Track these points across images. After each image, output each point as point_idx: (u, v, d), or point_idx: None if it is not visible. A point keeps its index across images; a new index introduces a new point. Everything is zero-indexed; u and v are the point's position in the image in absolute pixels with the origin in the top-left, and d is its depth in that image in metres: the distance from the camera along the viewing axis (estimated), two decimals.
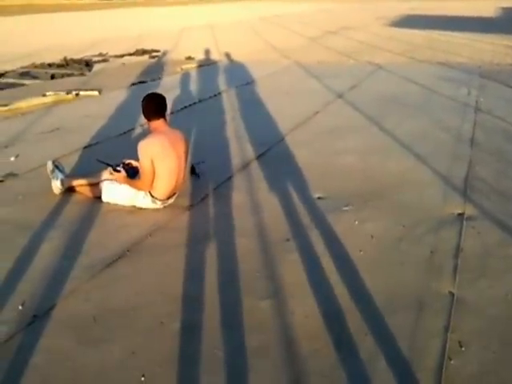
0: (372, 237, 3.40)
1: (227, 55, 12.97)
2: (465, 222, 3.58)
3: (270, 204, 3.94)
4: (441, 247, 3.26)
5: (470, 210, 3.78)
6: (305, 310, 2.62)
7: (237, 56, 12.76)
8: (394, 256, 3.16)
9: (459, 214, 3.72)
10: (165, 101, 3.86)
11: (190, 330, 2.49)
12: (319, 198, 4.04)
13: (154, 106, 3.79)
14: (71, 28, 24.65)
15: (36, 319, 2.58)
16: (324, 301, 2.70)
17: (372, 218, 3.69)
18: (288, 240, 3.35)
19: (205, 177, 4.50)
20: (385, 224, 3.59)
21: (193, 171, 4.45)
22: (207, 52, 13.56)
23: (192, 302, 2.72)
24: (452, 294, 2.75)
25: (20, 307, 2.66)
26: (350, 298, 2.71)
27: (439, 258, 3.13)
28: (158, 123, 3.80)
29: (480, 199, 3.98)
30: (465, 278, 2.90)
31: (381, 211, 3.80)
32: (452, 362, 2.25)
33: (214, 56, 12.91)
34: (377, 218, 3.68)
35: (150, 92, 4.00)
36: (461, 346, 2.35)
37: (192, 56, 12.66)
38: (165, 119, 3.84)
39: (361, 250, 3.21)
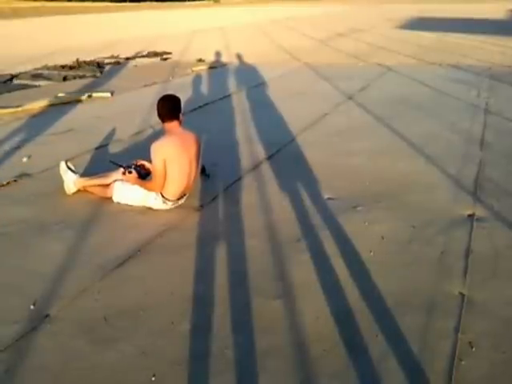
0: (382, 237, 3.40)
1: (238, 57, 13.00)
2: (475, 223, 3.57)
3: (281, 204, 3.96)
4: (451, 248, 3.25)
5: (480, 211, 3.77)
6: (315, 311, 2.63)
7: (247, 58, 12.79)
8: (405, 257, 3.16)
9: (469, 215, 3.71)
10: (179, 103, 3.88)
11: (200, 331, 2.50)
12: (329, 198, 4.05)
13: (169, 108, 3.82)
14: (84, 30, 24.85)
15: (47, 319, 2.61)
16: (335, 301, 2.71)
17: (382, 218, 3.69)
18: (299, 240, 3.36)
19: (215, 178, 4.53)
20: (395, 225, 3.58)
21: (203, 171, 4.47)
22: (218, 54, 13.61)
23: (202, 302, 2.73)
24: (462, 295, 2.74)
25: (32, 307, 2.69)
26: (360, 299, 2.71)
27: (449, 259, 3.12)
28: (172, 125, 3.83)
29: (490, 200, 3.96)
30: (475, 279, 2.89)
31: (391, 212, 3.80)
32: (462, 362, 2.25)
33: (225, 58, 12.95)
34: (387, 219, 3.67)
35: (165, 94, 4.02)
36: (471, 347, 2.34)
37: (203, 58, 12.71)
38: (179, 121, 3.86)
39: (371, 251, 3.21)
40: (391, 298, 2.72)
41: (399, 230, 3.50)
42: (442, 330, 2.47)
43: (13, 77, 10.20)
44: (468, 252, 3.19)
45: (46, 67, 11.49)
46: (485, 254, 3.17)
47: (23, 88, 9.20)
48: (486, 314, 2.60)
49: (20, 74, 10.54)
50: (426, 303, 2.69)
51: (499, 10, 33.13)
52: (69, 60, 12.19)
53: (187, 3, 71.65)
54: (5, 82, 9.79)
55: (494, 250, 3.21)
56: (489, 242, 3.33)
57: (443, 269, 3.02)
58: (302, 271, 3.00)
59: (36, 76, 10.37)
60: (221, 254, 3.23)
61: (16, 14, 41.58)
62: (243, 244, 3.34)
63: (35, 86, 9.38)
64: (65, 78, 10.13)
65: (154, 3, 72.49)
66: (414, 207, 3.88)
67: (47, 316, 2.62)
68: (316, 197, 4.09)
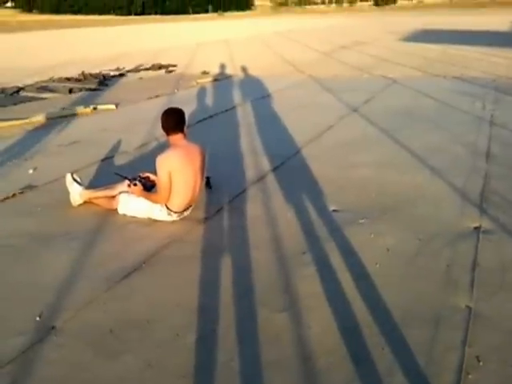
0: (388, 250, 3.39)
1: (242, 69, 13.08)
2: (481, 236, 3.56)
3: (286, 217, 3.95)
4: (457, 261, 3.23)
5: (486, 224, 3.75)
6: (321, 324, 2.62)
7: (252, 70, 12.86)
8: (411, 269, 3.15)
9: (475, 228, 3.69)
10: (183, 115, 3.91)
11: (206, 343, 2.50)
12: (334, 210, 4.04)
13: (173, 121, 3.84)
14: (90, 43, 25.07)
15: (53, 331, 2.60)
16: (340, 314, 2.70)
17: (388, 231, 3.68)
18: (304, 253, 3.35)
19: (220, 189, 4.54)
20: (401, 237, 3.57)
21: (207, 183, 4.48)
22: (222, 66, 13.69)
23: (207, 314, 2.73)
24: (469, 308, 2.72)
25: (37, 318, 2.70)
26: (366, 312, 2.70)
27: (456, 272, 3.11)
28: (176, 138, 3.85)
29: (496, 213, 3.95)
30: (482, 292, 2.87)
31: (396, 224, 3.79)
32: (470, 376, 2.23)
33: (229, 70, 13.03)
34: (393, 232, 3.67)
35: (169, 107, 4.04)
36: (479, 361, 2.33)
37: (207, 70, 12.79)
38: (183, 134, 3.88)
39: (377, 263, 3.20)
40: (397, 311, 2.71)
41: (405, 243, 3.49)
42: (449, 343, 2.46)
43: (19, 89, 10.29)
44: (474, 265, 3.17)
45: (52, 80, 11.59)
46: (491, 267, 3.15)
47: (29, 100, 9.28)
48: (493, 327, 2.58)
49: (26, 86, 10.63)
50: (432, 316, 2.67)
51: (503, 22, 33.24)
52: (74, 73, 12.29)
53: (191, 16, 72.28)
54: (11, 94, 9.88)
55: (501, 263, 3.20)
56: (495, 254, 3.31)
57: (450, 282, 3.01)
58: (308, 284, 2.99)
59: (42, 88, 10.45)
60: (226, 266, 3.23)
61: (22, 27, 42.03)
62: (248, 256, 3.34)
63: (41, 99, 9.45)
64: (70, 91, 10.21)
65: (159, 16, 73.17)
66: (420, 219, 3.87)
67: (53, 328, 2.62)
68: (321, 209, 4.09)
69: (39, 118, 7.45)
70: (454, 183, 4.61)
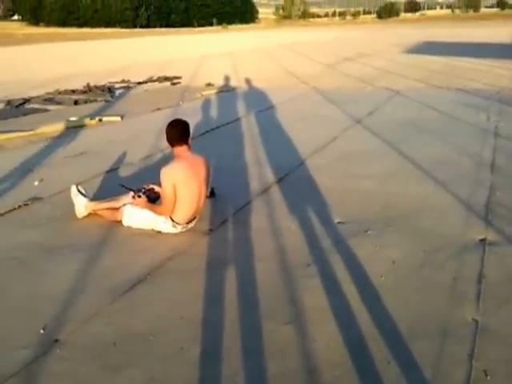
0: (393, 262, 3.37)
1: (246, 81, 13.14)
2: (487, 248, 3.54)
3: (290, 229, 3.95)
4: (463, 273, 3.21)
5: (492, 236, 3.73)
6: (326, 337, 2.60)
7: (256, 82, 12.93)
8: (416, 282, 3.13)
9: (481, 240, 3.67)
10: (188, 127, 3.92)
11: (210, 356, 2.48)
12: (339, 222, 4.03)
13: (178, 133, 3.85)
14: (95, 56, 25.27)
15: (57, 343, 2.59)
16: (346, 327, 2.68)
17: (393, 243, 3.66)
18: (309, 265, 3.34)
19: (224, 201, 4.54)
20: (406, 249, 3.56)
21: (211, 193, 4.47)
22: (227, 78, 13.76)
23: (212, 326, 2.71)
24: (476, 321, 2.70)
25: (41, 331, 2.69)
26: (372, 325, 2.68)
27: (462, 285, 3.08)
28: (181, 149, 3.86)
29: (502, 225, 3.92)
30: (488, 305, 2.85)
31: (401, 236, 3.78)
32: None
33: (234, 82, 13.10)
34: (398, 244, 3.65)
35: (173, 118, 4.05)
36: (486, 375, 2.30)
37: (212, 82, 12.86)
38: (188, 145, 3.90)
39: (382, 276, 3.18)
40: (403, 324, 2.69)
41: (410, 255, 3.47)
42: (456, 357, 2.43)
43: (25, 101, 10.37)
44: (480, 277, 3.15)
45: (58, 92, 11.68)
46: (498, 280, 3.13)
47: (35, 112, 9.34)
48: (500, 340, 2.55)
49: (32, 98, 10.72)
50: (438, 329, 2.65)
51: (507, 35, 33.36)
52: (80, 85, 12.38)
53: (196, 29, 72.84)
54: (17, 106, 9.95)
55: (507, 276, 3.17)
56: (501, 267, 3.29)
57: (456, 294, 2.98)
58: (313, 296, 2.97)
59: (48, 100, 10.53)
60: (230, 278, 3.22)
61: (28, 39, 42.43)
62: (253, 268, 3.32)
63: (47, 110, 9.52)
64: (76, 103, 10.28)
65: (164, 29, 73.75)
66: (425, 231, 3.85)
67: (57, 341, 2.61)
68: (326, 221, 4.08)
69: (45, 130, 7.49)
70: (459, 195, 4.60)
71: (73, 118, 8.26)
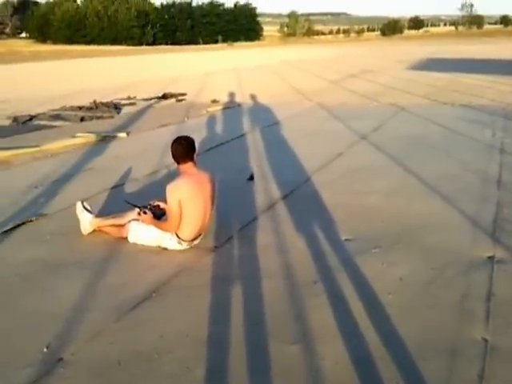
0: (401, 279, 3.33)
1: (251, 97, 13.21)
2: (495, 266, 3.50)
3: (297, 246, 3.92)
4: (472, 291, 3.17)
5: (500, 253, 3.69)
6: (334, 356, 2.56)
7: (261, 98, 12.98)
8: (425, 300, 3.09)
9: (489, 257, 3.63)
10: (193, 144, 3.92)
11: (216, 376, 2.44)
12: (346, 239, 4.00)
13: (183, 151, 3.84)
14: (101, 73, 25.50)
15: (61, 362, 2.56)
16: (354, 346, 2.64)
17: (400, 260, 3.63)
18: (315, 282, 3.31)
19: (230, 218, 4.52)
20: (413, 267, 3.52)
21: (251, 177, 5.48)
22: (232, 95, 13.83)
23: (218, 345, 2.68)
24: (485, 341, 2.65)
25: (45, 349, 2.65)
26: (380, 344, 2.64)
27: (471, 303, 3.04)
28: (186, 166, 3.86)
29: (510, 242, 3.88)
30: (498, 324, 2.81)
31: (409, 253, 3.74)
32: None
33: (239, 98, 13.16)
34: (405, 261, 3.62)
35: (179, 135, 4.05)
36: None
37: (217, 99, 12.92)
38: (193, 162, 3.89)
39: (390, 294, 3.14)
40: (412, 343, 2.64)
41: (418, 272, 3.44)
42: (466, 377, 2.39)
43: (31, 117, 10.43)
44: (489, 295, 3.11)
45: (64, 108, 11.76)
46: (507, 298, 3.09)
47: (41, 129, 9.39)
48: (510, 360, 2.50)
49: (38, 114, 10.79)
50: (447, 349, 2.61)
51: (509, 51, 33.48)
52: (86, 101, 12.46)
53: (201, 46, 73.53)
54: (24, 122, 10.02)
55: None
56: (511, 285, 3.25)
57: (464, 313, 2.94)
58: (320, 314, 2.94)
59: (54, 117, 10.60)
60: (236, 296, 3.19)
61: (35, 57, 42.89)
62: (259, 286, 3.29)
63: (53, 127, 9.57)
64: (82, 119, 10.34)
65: (170, 46, 74.47)
66: (433, 248, 3.82)
67: (60, 360, 2.58)
68: (332, 238, 4.05)
69: (51, 147, 7.52)
70: (466, 211, 4.57)
71: (79, 135, 8.30)
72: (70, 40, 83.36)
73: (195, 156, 3.93)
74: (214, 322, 2.90)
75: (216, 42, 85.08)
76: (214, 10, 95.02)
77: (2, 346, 2.73)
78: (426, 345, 2.64)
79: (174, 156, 3.89)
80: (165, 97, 14.00)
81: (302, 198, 5.09)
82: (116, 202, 4.82)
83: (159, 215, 4.00)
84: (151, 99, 13.65)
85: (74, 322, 2.91)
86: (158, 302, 3.15)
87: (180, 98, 13.86)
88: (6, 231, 4.34)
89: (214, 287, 3.30)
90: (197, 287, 3.32)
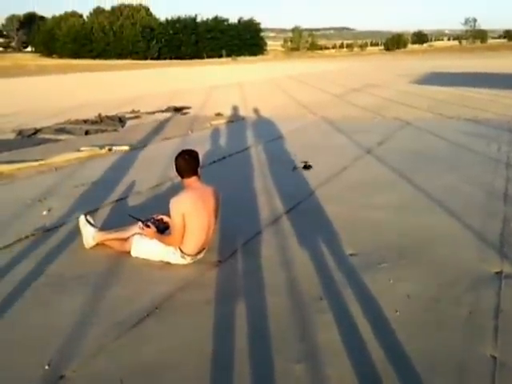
0: (408, 296, 3.28)
1: (255, 111, 13.23)
2: (503, 281, 3.44)
3: (301, 261, 3.87)
4: (480, 307, 3.12)
5: (508, 269, 3.64)
6: (340, 374, 2.50)
7: (265, 112, 13.01)
8: (432, 316, 3.04)
9: (497, 273, 3.58)
10: (197, 158, 3.90)
11: None
12: (351, 254, 3.95)
13: (187, 164, 3.82)
14: (106, 86, 25.66)
15: (62, 380, 2.51)
16: (360, 364, 2.58)
17: (407, 276, 3.58)
18: (321, 299, 3.25)
19: (234, 232, 4.48)
20: (420, 283, 3.47)
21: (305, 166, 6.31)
22: (236, 108, 13.87)
23: (221, 363, 2.63)
24: (494, 358, 2.60)
25: (46, 366, 2.61)
26: (387, 361, 2.59)
27: (479, 319, 2.99)
28: (190, 180, 3.83)
29: None
30: (507, 341, 2.75)
31: (415, 269, 3.69)
32: None
33: (243, 112, 13.19)
34: (412, 277, 3.56)
35: (183, 149, 4.02)
36: None
37: (221, 112, 12.96)
38: (197, 176, 3.87)
39: (397, 311, 3.09)
40: (419, 361, 2.59)
41: (425, 288, 3.38)
42: None
43: (36, 131, 10.46)
44: (497, 311, 3.06)
45: (69, 122, 11.80)
46: None
47: (46, 142, 9.41)
48: None
49: (43, 128, 10.81)
50: (455, 366, 2.55)
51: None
52: (91, 115, 12.51)
53: (206, 60, 74.05)
54: (28, 136, 10.04)
55: None
56: None
57: (472, 329, 2.89)
58: (325, 331, 2.88)
59: (59, 130, 10.62)
60: (240, 311, 3.14)
61: (41, 71, 43.26)
62: (263, 302, 3.25)
63: (58, 140, 9.59)
64: (87, 132, 10.36)
65: (174, 61, 75.03)
66: (440, 264, 3.77)
67: (62, 377, 2.53)
68: (338, 253, 4.00)
69: (55, 160, 7.52)
70: (473, 226, 4.52)
71: (83, 148, 8.31)
72: (76, 54, 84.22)
73: (199, 170, 3.91)
74: (217, 338, 2.86)
75: (220, 56, 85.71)
76: (219, 26, 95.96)
77: (2, 361, 2.69)
78: (434, 362, 2.58)
79: (177, 170, 3.87)
80: (169, 110, 14.05)
81: (306, 212, 5.05)
82: (119, 216, 4.80)
83: (162, 229, 3.97)
84: (155, 112, 13.70)
85: (77, 338, 2.87)
86: (161, 317, 3.11)
87: (184, 111, 13.91)
88: (8, 245, 4.31)
89: (217, 302, 3.26)
90: (200, 302, 3.27)
